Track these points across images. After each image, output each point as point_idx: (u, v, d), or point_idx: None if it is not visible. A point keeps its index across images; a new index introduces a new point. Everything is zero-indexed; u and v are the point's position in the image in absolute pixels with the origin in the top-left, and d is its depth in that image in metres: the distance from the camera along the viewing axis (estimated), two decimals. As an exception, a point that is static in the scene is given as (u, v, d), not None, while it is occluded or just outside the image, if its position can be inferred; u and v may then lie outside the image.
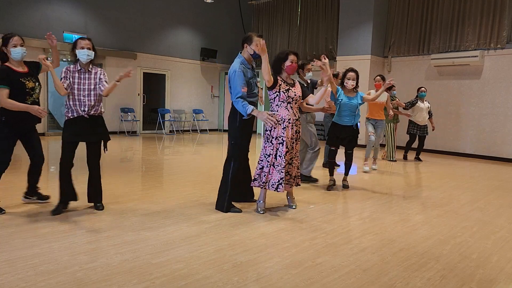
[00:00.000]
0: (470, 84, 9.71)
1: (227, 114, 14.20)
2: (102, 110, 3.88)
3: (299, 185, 4.23)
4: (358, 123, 5.47)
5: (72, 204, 4.00)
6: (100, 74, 3.80)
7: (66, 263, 2.65)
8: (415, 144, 8.71)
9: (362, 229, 3.65)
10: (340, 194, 5.12)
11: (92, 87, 3.71)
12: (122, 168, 6.44)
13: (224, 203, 3.99)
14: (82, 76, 3.69)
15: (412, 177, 6.70)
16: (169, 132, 13.25)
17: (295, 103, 3.92)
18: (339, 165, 7.27)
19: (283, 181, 3.83)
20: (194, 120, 13.82)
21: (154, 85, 14.32)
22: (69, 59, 10.51)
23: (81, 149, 3.87)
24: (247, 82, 3.85)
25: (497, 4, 9.07)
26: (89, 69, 3.74)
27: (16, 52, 3.61)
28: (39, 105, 3.71)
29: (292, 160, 4.01)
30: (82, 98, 3.66)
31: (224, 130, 14.54)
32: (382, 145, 8.69)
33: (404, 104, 8.08)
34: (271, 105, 3.92)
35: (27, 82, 3.68)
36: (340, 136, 5.20)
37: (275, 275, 2.60)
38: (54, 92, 10.11)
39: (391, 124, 8.04)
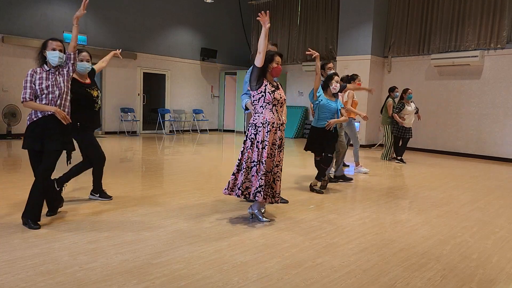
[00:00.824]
0: (470, 84, 9.70)
1: (227, 114, 14.42)
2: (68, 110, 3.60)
3: (277, 202, 3.84)
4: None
5: (72, 204, 4.00)
6: (68, 67, 3.59)
7: (66, 263, 2.65)
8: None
9: (362, 229, 3.65)
10: (340, 194, 5.12)
11: (62, 85, 3.51)
12: (122, 168, 6.44)
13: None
14: (50, 77, 3.47)
15: (412, 177, 6.69)
16: (169, 132, 13.24)
17: (280, 106, 3.77)
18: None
19: (262, 188, 3.57)
20: (194, 120, 13.81)
21: (154, 85, 14.31)
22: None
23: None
24: None
25: (497, 4, 9.07)
26: (58, 70, 3.53)
27: (82, 66, 4.01)
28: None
29: (272, 169, 3.69)
30: (51, 96, 3.43)
31: (224, 130, 14.54)
32: (381, 145, 8.66)
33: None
34: (254, 107, 3.75)
35: (93, 91, 4.10)
36: (319, 139, 5.04)
37: (275, 275, 2.60)
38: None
39: (390, 126, 8.06)
